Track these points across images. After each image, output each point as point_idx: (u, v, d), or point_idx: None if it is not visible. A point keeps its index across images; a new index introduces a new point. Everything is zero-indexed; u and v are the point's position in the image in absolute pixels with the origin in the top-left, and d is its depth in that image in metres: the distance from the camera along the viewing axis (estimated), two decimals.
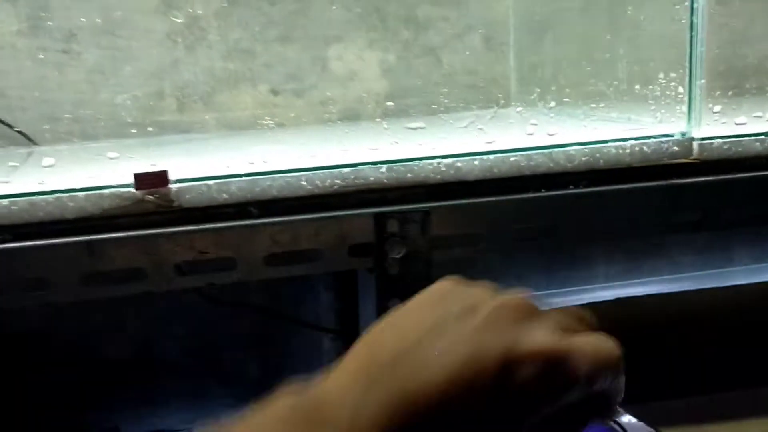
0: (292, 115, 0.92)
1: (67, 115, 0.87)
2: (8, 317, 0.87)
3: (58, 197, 0.51)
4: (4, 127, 0.85)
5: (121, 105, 0.88)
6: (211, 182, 0.54)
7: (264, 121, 0.91)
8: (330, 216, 0.55)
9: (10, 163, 0.65)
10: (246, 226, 0.54)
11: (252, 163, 0.56)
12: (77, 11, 0.85)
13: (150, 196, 0.53)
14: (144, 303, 0.96)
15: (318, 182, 0.55)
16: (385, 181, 0.56)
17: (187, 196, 0.53)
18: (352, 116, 0.95)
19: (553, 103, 0.86)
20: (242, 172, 0.54)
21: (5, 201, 0.51)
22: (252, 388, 1.06)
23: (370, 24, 0.93)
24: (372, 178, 0.56)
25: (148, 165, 0.55)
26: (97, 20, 0.85)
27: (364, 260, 0.57)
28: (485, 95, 0.97)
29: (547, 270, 0.94)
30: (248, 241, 0.54)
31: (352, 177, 0.56)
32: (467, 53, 0.96)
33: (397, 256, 0.56)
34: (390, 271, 0.57)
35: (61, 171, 0.59)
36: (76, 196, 0.52)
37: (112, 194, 0.52)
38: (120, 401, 1.00)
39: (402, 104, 0.95)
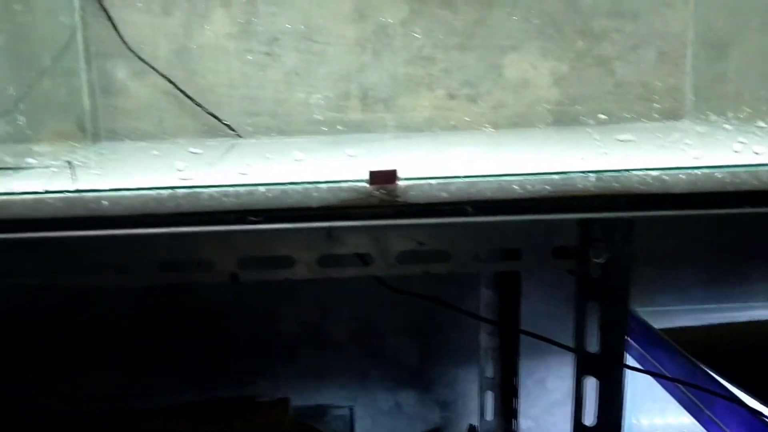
0: (467, 118, 0.98)
1: (266, 112, 0.96)
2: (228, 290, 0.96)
3: (305, 188, 0.59)
4: (212, 120, 0.95)
5: (314, 104, 0.96)
6: (433, 181, 0.59)
7: (440, 123, 0.97)
8: (538, 219, 0.60)
9: (267, 155, 0.73)
10: (462, 223, 0.60)
11: (470, 164, 0.61)
12: (282, 17, 0.94)
13: (379, 191, 0.59)
14: (322, 285, 1.04)
15: (529, 186, 0.60)
16: (592, 189, 0.60)
17: (412, 193, 0.59)
18: (521, 122, 0.99)
19: (732, 117, 0.86)
20: (461, 174, 0.60)
21: (262, 188, 0.58)
22: (412, 373, 1.13)
23: (546, 34, 0.97)
24: (580, 186, 0.60)
25: (372, 162, 0.62)
26: (300, 26, 0.94)
27: (566, 262, 0.61)
28: (656, 107, 0.98)
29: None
30: (463, 237, 0.60)
31: (562, 183, 0.60)
32: (641, 65, 0.98)
33: (600, 261, 0.60)
34: (592, 274, 0.61)
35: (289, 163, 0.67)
36: (320, 187, 0.59)
37: (349, 188, 0.59)
38: (290, 375, 1.10)
39: (571, 112, 0.98)
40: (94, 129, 0.94)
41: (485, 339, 1.03)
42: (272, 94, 0.96)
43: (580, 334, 0.65)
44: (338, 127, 0.97)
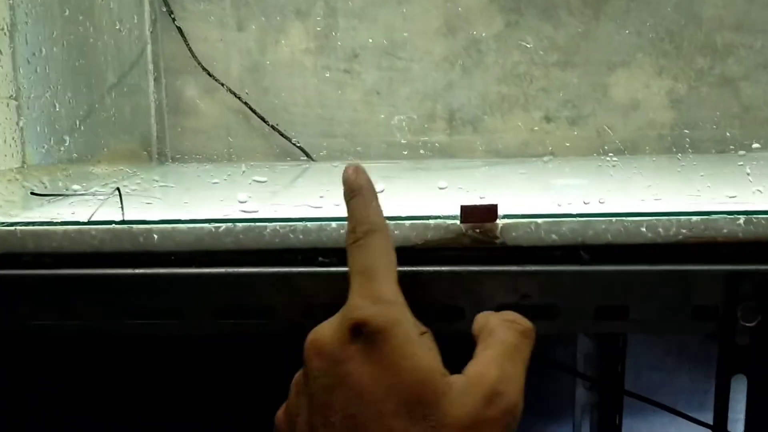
0: (567, 144, 0.87)
1: (343, 133, 0.88)
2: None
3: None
4: (283, 141, 0.88)
5: (396, 126, 0.88)
6: (540, 220, 0.49)
7: (536, 148, 0.86)
8: (672, 270, 0.48)
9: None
10: (575, 272, 0.49)
11: (587, 203, 0.50)
12: (363, 31, 0.86)
13: (474, 231, 0.49)
14: None
15: (661, 230, 0.48)
16: (740, 235, 0.48)
17: (513, 234, 0.49)
18: (629, 148, 0.87)
19: None
20: (574, 213, 0.49)
21: (334, 224, 0.49)
22: None
23: (661, 50, 0.86)
24: (725, 231, 0.48)
25: (462, 195, 0.52)
26: (383, 41, 0.86)
27: (707, 324, 0.49)
28: None
29: None
30: (576, 289, 0.49)
31: (702, 227, 0.48)
32: None
33: (750, 324, 0.48)
34: (738, 341, 0.49)
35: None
36: (403, 224, 0.49)
37: (437, 225, 0.49)
38: None
39: (689, 137, 0.86)
40: (159, 150, 0.88)
41: (582, 395, 0.90)
42: (350, 115, 0.88)
43: (721, 412, 0.52)
44: (421, 151, 0.87)
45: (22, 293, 0.49)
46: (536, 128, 0.86)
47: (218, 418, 1.01)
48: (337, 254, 0.50)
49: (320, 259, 0.50)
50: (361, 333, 0.35)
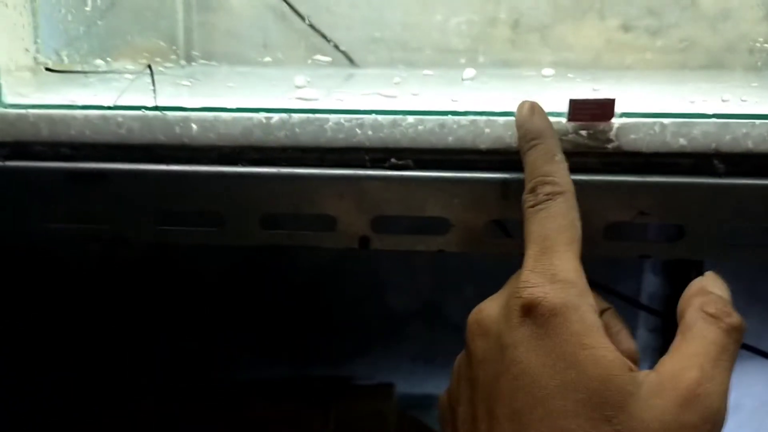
0: (649, 56, 0.77)
1: (392, 38, 0.78)
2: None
3: (473, 120, 0.40)
4: (325, 45, 0.78)
5: (452, 31, 0.78)
6: (666, 120, 0.40)
7: (611, 62, 0.76)
8: None
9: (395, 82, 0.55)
10: (704, 185, 0.40)
11: (726, 101, 0.41)
12: None
13: (583, 132, 0.40)
14: (436, 258, 0.87)
15: None
16: None
17: (632, 137, 0.40)
18: (715, 65, 0.77)
19: None
20: (709, 113, 0.40)
21: (411, 118, 0.41)
22: None
23: None
24: None
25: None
26: None
27: None
28: None
29: None
30: (706, 204, 0.40)
31: None
32: None
33: None
34: None
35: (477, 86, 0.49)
36: (495, 121, 0.40)
37: None
38: (396, 357, 0.93)
39: None
40: (187, 49, 0.79)
41: (645, 337, 0.83)
42: (401, 17, 0.78)
43: None
44: (480, 59, 0.78)
45: (35, 190, 0.41)
46: (612, 38, 0.76)
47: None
48: (414, 155, 0.41)
49: (393, 160, 0.41)
50: (532, 315, 0.30)
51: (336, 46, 0.78)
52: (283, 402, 0.87)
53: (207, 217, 0.41)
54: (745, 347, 0.65)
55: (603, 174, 0.40)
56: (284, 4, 0.77)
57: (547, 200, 0.34)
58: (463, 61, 0.77)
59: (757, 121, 0.39)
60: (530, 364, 0.29)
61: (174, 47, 0.76)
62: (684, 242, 0.40)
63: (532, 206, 0.34)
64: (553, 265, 0.32)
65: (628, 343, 0.35)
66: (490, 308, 0.33)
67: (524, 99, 0.37)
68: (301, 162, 0.41)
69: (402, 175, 0.41)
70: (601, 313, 0.36)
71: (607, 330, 0.35)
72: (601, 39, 0.77)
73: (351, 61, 0.78)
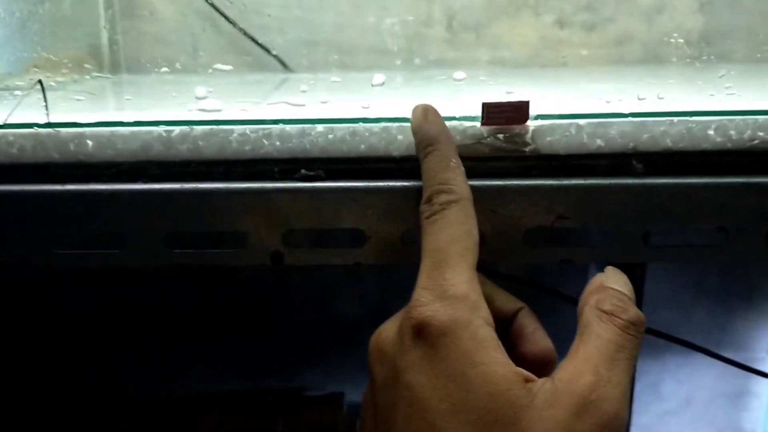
0: (585, 52, 0.76)
1: (325, 41, 0.76)
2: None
3: (386, 127, 0.39)
4: (257, 50, 0.76)
5: (387, 31, 0.76)
6: (582, 121, 0.39)
7: (548, 58, 0.75)
8: (744, 182, 0.39)
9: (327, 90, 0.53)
10: (625, 186, 0.39)
11: (643, 99, 0.40)
12: None
13: (497, 136, 0.39)
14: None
15: (733, 133, 0.38)
16: None
17: (548, 139, 0.39)
18: (652, 59, 0.77)
19: None
20: (625, 112, 0.39)
21: (320, 126, 0.39)
22: None
23: None
24: None
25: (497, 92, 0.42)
26: None
27: None
28: None
29: None
30: (626, 207, 0.39)
31: None
32: None
33: None
34: None
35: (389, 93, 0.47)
36: (407, 127, 0.39)
37: (452, 128, 0.38)
38: (345, 366, 0.92)
39: (720, 49, 0.75)
40: (112, 58, 0.76)
41: None
42: (333, 18, 0.76)
43: None
44: (416, 61, 0.76)
45: None
46: (547, 35, 0.75)
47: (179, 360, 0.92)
48: (325, 165, 0.39)
49: (303, 171, 0.39)
50: (423, 335, 0.29)
51: (267, 50, 0.75)
52: (233, 415, 0.84)
53: (107, 238, 0.39)
54: (686, 344, 0.64)
55: (520, 178, 0.39)
56: (214, 11, 0.75)
57: (442, 209, 0.32)
58: (399, 62, 0.75)
59: (675, 119, 0.38)
60: (422, 388, 0.28)
61: (98, 58, 0.73)
62: (606, 245, 0.39)
63: (428, 217, 0.33)
64: (445, 279, 0.30)
65: (544, 342, 0.33)
66: (387, 330, 0.32)
67: (418, 104, 0.36)
68: (206, 176, 0.39)
69: (313, 187, 0.39)
70: (515, 313, 0.34)
71: (522, 331, 0.34)
72: (537, 36, 0.76)
73: (284, 65, 0.76)
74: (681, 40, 0.75)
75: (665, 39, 0.75)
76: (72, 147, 0.39)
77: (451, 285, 0.30)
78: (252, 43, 0.75)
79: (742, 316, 0.87)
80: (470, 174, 0.39)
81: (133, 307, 0.88)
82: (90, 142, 0.38)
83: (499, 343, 0.29)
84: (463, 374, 0.28)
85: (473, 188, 0.38)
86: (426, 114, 0.35)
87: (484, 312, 0.30)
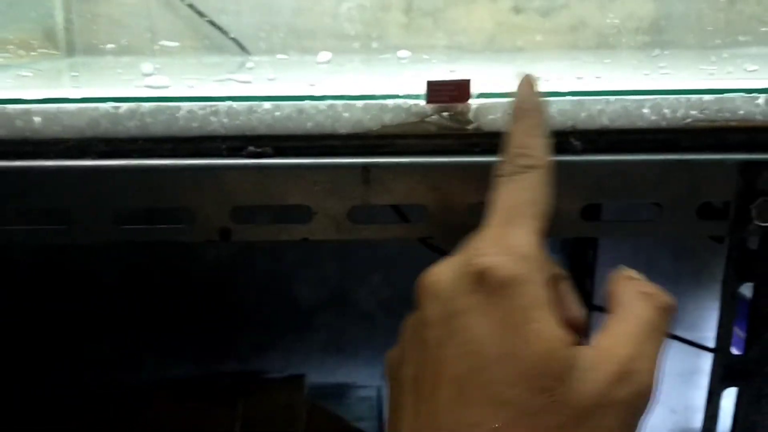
0: (539, 38, 0.77)
1: (284, 24, 0.77)
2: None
3: (332, 105, 0.39)
4: (215, 33, 0.76)
5: (344, 16, 0.76)
6: None
7: (503, 43, 0.76)
8: (677, 159, 0.40)
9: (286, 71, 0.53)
10: (565, 162, 0.40)
11: (580, 78, 0.41)
12: None
13: (441, 114, 0.40)
14: (340, 246, 0.86)
15: (667, 111, 0.40)
16: (759, 117, 0.40)
17: (490, 117, 0.40)
18: (604, 44, 0.79)
19: None
20: (563, 90, 0.40)
21: (268, 104, 0.39)
22: None
23: None
24: (742, 112, 0.40)
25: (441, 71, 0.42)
26: None
27: (716, 225, 0.41)
28: None
29: None
30: (566, 182, 0.40)
31: (715, 108, 0.40)
32: None
33: (766, 225, 0.41)
34: (750, 243, 0.41)
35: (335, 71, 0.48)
36: (354, 105, 0.40)
37: (396, 107, 0.39)
38: (307, 348, 0.93)
39: (665, 37, 0.77)
40: (67, 42, 0.75)
41: None
42: (291, 2, 0.77)
43: (725, 329, 0.46)
44: (373, 45, 0.77)
45: None
46: (504, 20, 0.76)
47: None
48: (272, 142, 0.40)
49: (250, 148, 0.40)
50: (484, 283, 0.30)
51: (225, 33, 0.76)
52: (188, 400, 0.85)
53: (55, 214, 0.39)
54: None
55: (464, 156, 0.40)
56: None
57: (522, 172, 0.33)
58: (356, 45, 0.76)
59: (612, 98, 0.40)
60: (477, 332, 0.29)
61: (53, 40, 0.72)
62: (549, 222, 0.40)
63: (507, 174, 0.34)
64: (513, 236, 0.31)
65: (578, 311, 0.35)
66: (441, 273, 0.32)
67: (524, 72, 0.37)
68: (154, 153, 0.39)
69: (260, 163, 0.39)
70: (557, 281, 0.35)
71: (562, 299, 0.35)
72: (493, 21, 0.78)
73: (243, 48, 0.76)
74: (632, 26, 0.77)
75: (617, 25, 0.77)
76: (19, 123, 0.39)
77: (518, 242, 0.31)
78: (210, 27, 0.75)
79: (692, 296, 0.90)
80: (415, 151, 0.40)
81: (81, 297, 0.88)
82: (37, 119, 0.39)
83: (552, 306, 0.31)
84: (518, 327, 0.29)
85: (417, 165, 0.39)
86: (530, 83, 0.36)
87: (544, 275, 0.31)
